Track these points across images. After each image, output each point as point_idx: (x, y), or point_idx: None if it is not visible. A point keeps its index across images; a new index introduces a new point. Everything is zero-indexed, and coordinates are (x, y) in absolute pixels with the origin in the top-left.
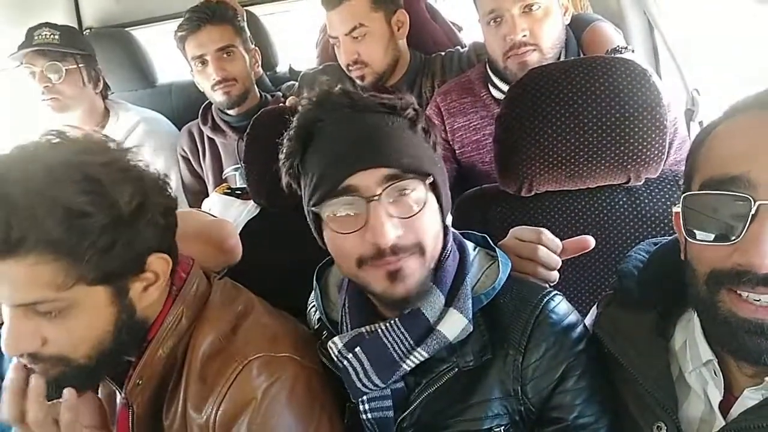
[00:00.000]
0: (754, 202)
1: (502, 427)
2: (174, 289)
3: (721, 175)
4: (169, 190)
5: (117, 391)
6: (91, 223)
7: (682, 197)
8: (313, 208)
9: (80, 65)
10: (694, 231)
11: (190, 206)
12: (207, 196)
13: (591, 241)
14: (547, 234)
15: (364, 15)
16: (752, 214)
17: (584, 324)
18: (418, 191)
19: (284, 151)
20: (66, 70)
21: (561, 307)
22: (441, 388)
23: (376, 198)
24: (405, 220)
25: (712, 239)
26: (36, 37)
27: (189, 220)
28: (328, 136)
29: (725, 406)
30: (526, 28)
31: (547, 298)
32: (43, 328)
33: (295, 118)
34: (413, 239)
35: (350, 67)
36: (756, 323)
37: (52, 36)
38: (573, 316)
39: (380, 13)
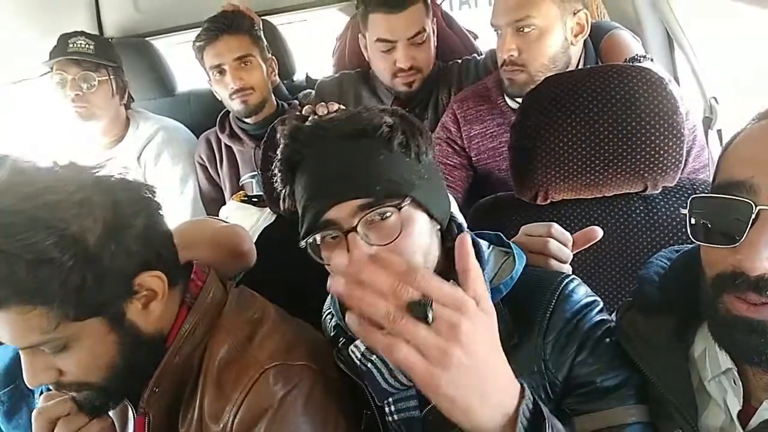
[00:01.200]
0: (755, 207)
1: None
2: (189, 297)
3: (727, 180)
4: (153, 201)
5: (129, 406)
6: (56, 267)
7: (690, 200)
8: (302, 242)
9: (111, 77)
10: (700, 233)
11: (208, 213)
12: (224, 203)
13: (599, 232)
14: (556, 227)
15: (424, 21)
16: (752, 219)
17: (602, 306)
18: (395, 216)
19: (276, 180)
20: (98, 80)
21: (580, 288)
22: None
23: (353, 230)
24: (387, 246)
25: (715, 242)
26: (71, 45)
27: (202, 228)
28: (305, 170)
29: (745, 417)
30: (514, 48)
31: (567, 280)
32: (55, 361)
33: (278, 152)
34: None
35: (400, 74)
36: (747, 321)
37: (87, 46)
38: (591, 297)
39: (429, 20)
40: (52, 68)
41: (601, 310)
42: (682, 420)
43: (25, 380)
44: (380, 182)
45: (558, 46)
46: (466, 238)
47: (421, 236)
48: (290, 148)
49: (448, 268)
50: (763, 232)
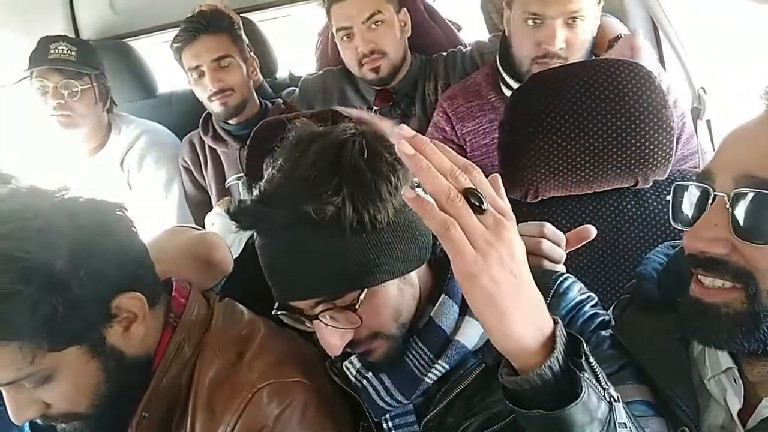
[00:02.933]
0: (712, 192)
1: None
2: (172, 317)
3: (705, 170)
4: (124, 219)
5: None
6: (23, 299)
7: (674, 186)
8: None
9: (94, 84)
10: (674, 215)
11: (194, 217)
12: (211, 206)
13: (592, 231)
14: (548, 227)
15: (380, 3)
16: (710, 204)
17: (597, 301)
18: (354, 303)
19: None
20: (81, 89)
21: (574, 285)
22: (466, 387)
23: (315, 317)
24: (351, 329)
25: (682, 223)
26: (52, 52)
27: (172, 241)
28: (258, 248)
29: (745, 415)
30: (564, 40)
31: (561, 279)
32: (39, 395)
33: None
34: (367, 333)
35: (364, 60)
36: (699, 303)
37: (69, 52)
38: (585, 293)
39: (391, 6)
40: (31, 74)
41: (595, 305)
42: (685, 418)
43: (11, 417)
44: (335, 278)
45: (591, 37)
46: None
47: (390, 304)
48: (242, 224)
49: (443, 278)
50: (706, 214)
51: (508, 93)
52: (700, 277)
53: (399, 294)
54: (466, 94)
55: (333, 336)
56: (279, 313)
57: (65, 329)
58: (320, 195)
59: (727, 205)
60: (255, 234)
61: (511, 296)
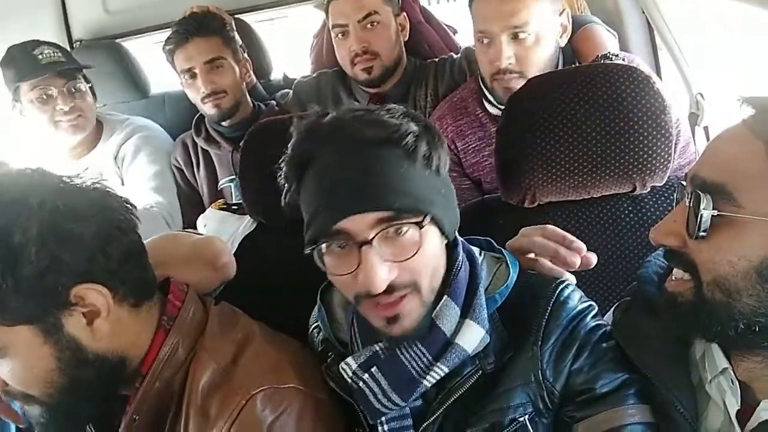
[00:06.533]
0: (686, 195)
1: (527, 416)
2: (165, 319)
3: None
4: (118, 213)
5: None
6: None
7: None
8: (307, 247)
9: (85, 81)
10: None
11: (186, 217)
12: (203, 206)
13: (593, 260)
14: (548, 228)
15: (377, 4)
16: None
17: (597, 311)
18: (413, 231)
19: (282, 175)
20: (83, 86)
21: (574, 294)
22: (464, 393)
23: (368, 243)
24: (400, 262)
25: None
26: (42, 57)
27: (176, 244)
28: (320, 172)
29: (744, 418)
30: (512, 55)
31: (561, 286)
32: None
33: (289, 146)
34: (408, 279)
35: (357, 59)
36: (665, 292)
37: (56, 54)
38: (586, 302)
39: (389, 8)
40: (16, 88)
41: (595, 316)
42: (683, 421)
43: None
44: (402, 196)
45: (551, 48)
46: None
47: (434, 254)
48: (305, 144)
49: (447, 278)
50: (672, 211)
51: (491, 109)
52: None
53: (440, 251)
54: (454, 113)
55: (382, 268)
56: (319, 243)
57: (13, 305)
58: (400, 124)
59: (688, 204)
60: (317, 158)
61: None
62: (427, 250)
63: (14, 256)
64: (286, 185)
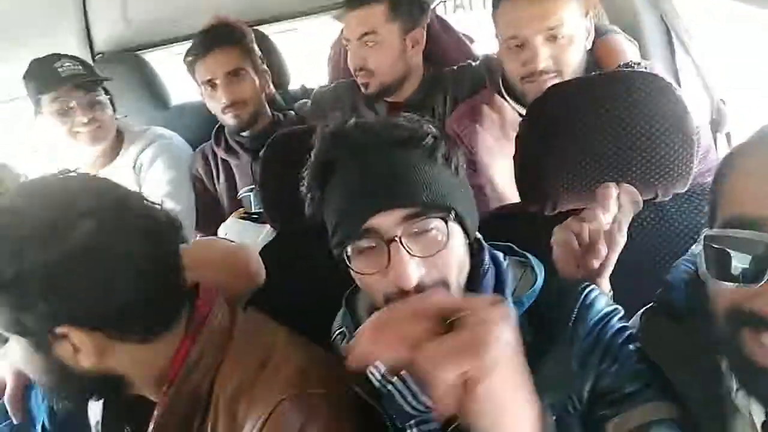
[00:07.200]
0: None
1: (554, 416)
2: (193, 325)
3: (741, 215)
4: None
5: None
6: None
7: (702, 236)
8: (335, 250)
9: (105, 93)
10: (712, 270)
11: (206, 227)
12: (223, 217)
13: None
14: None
15: (379, 24)
16: None
17: (623, 314)
18: (440, 227)
19: (305, 183)
20: (104, 99)
21: (601, 297)
22: None
23: (396, 239)
24: (428, 259)
25: (730, 281)
26: (62, 69)
27: (211, 249)
28: (345, 175)
29: None
30: (549, 56)
31: (588, 289)
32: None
33: (312, 153)
34: (437, 276)
35: (357, 73)
36: (761, 366)
37: (77, 67)
38: (612, 306)
39: (395, 26)
40: (38, 100)
41: (621, 318)
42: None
43: None
44: (426, 192)
45: (583, 49)
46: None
47: (460, 250)
48: (330, 151)
49: (474, 280)
50: None
51: (516, 107)
52: (760, 336)
53: (464, 250)
54: (474, 114)
55: (410, 263)
56: (348, 244)
57: (4, 317)
58: (418, 126)
59: None
60: (343, 162)
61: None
62: (455, 246)
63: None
64: (309, 194)
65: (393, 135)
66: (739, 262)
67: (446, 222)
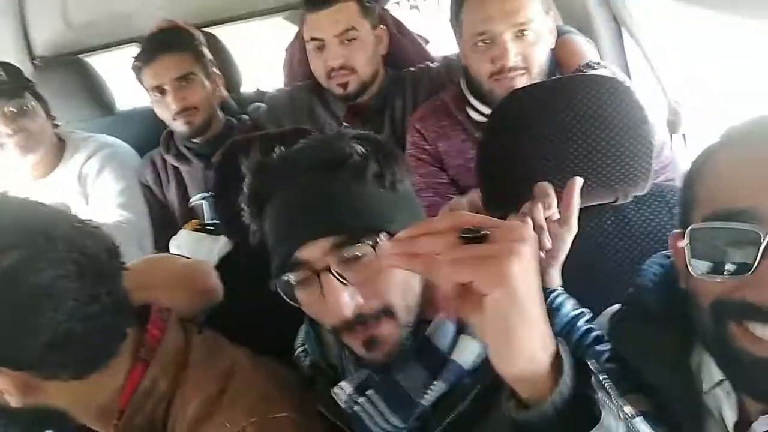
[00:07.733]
0: (764, 236)
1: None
2: (144, 351)
3: (727, 209)
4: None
5: None
6: None
7: (688, 231)
8: (276, 283)
9: (35, 100)
10: (700, 264)
11: (157, 237)
12: (173, 226)
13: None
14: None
15: (355, 19)
16: (763, 248)
17: (589, 317)
18: (371, 253)
19: (245, 213)
20: (30, 106)
21: (567, 301)
22: (463, 409)
23: (326, 270)
24: (366, 285)
25: (720, 273)
26: None
27: (161, 267)
28: (275, 206)
29: (741, 430)
30: (518, 53)
31: (552, 295)
32: None
33: (243, 186)
34: (377, 304)
35: (333, 73)
36: (748, 355)
37: None
38: (579, 310)
39: (367, 22)
40: None
41: (588, 320)
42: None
43: None
44: (353, 218)
45: (548, 46)
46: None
47: (402, 272)
48: (257, 184)
49: (426, 301)
50: None
51: (475, 115)
52: (750, 327)
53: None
54: (437, 114)
55: (343, 293)
56: (284, 276)
57: None
58: (344, 146)
59: None
60: (271, 193)
61: (523, 315)
62: (392, 269)
63: None
64: (251, 221)
65: (316, 159)
66: (729, 253)
67: (375, 246)
